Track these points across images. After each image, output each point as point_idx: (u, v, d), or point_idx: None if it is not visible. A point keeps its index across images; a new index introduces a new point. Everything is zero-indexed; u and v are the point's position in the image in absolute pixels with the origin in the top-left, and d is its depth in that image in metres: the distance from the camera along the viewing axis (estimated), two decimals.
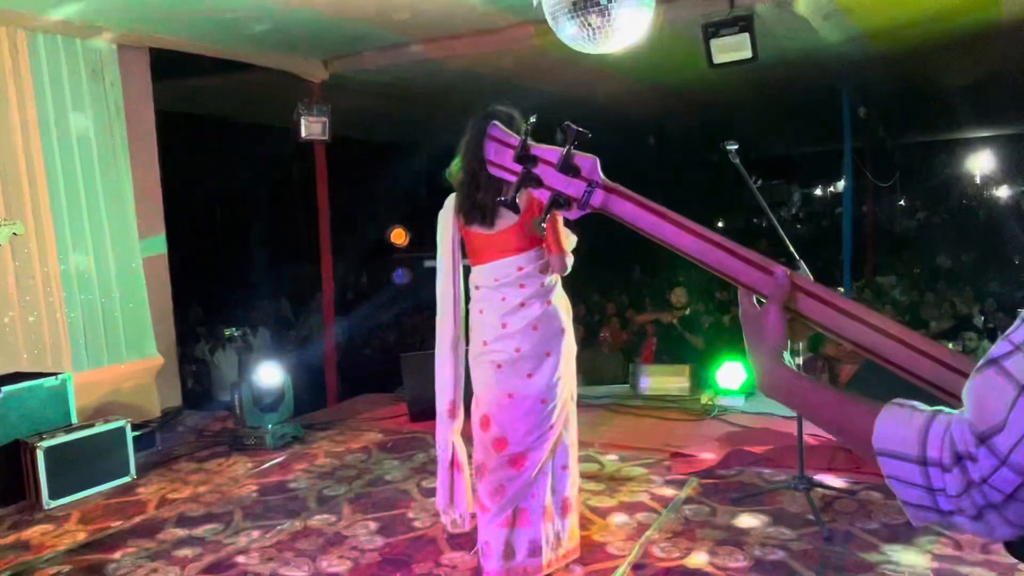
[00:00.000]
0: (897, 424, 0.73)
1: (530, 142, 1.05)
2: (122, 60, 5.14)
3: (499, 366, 2.83)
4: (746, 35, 4.79)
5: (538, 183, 1.05)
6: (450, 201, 2.96)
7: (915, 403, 0.76)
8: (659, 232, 0.99)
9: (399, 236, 6.96)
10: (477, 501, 2.91)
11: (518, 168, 1.06)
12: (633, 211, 1.00)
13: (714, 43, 4.90)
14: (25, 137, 4.61)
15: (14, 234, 3.36)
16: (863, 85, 7.45)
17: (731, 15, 4.79)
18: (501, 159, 1.08)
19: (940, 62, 6.80)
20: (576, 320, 7.78)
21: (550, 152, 1.04)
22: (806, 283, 0.89)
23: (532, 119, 1.10)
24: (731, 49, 4.90)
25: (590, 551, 3.13)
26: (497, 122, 1.10)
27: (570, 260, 2.87)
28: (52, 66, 4.75)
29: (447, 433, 2.97)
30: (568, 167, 1.02)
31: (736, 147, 3.26)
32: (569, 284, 3.14)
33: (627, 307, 9.79)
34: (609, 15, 3.35)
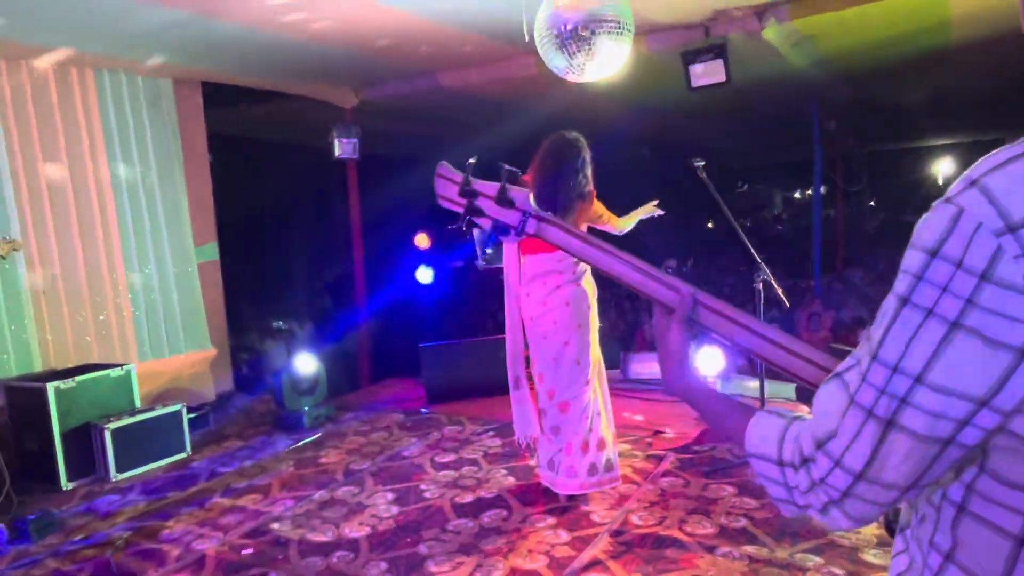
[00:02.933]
0: (763, 430, 0.74)
1: (471, 179, 1.07)
2: (177, 92, 5.19)
3: (544, 336, 3.26)
4: (720, 61, 4.73)
5: (480, 213, 1.07)
6: None
7: (781, 410, 0.77)
8: (584, 255, 1.00)
9: (422, 241, 6.95)
10: (543, 433, 3.33)
11: (463, 201, 1.08)
12: (563, 237, 1.02)
13: (692, 69, 4.85)
14: (94, 160, 4.68)
15: (14, 250, 3.40)
16: (832, 100, 7.31)
17: (707, 43, 4.73)
18: (448, 193, 1.11)
19: (900, 80, 6.66)
20: None
21: (489, 187, 1.07)
22: (708, 299, 0.91)
23: (472, 160, 1.12)
24: (707, 74, 4.84)
25: (575, 519, 3.13)
26: (445, 162, 1.13)
27: (624, 222, 3.36)
28: (116, 99, 4.81)
29: (522, 375, 3.37)
30: (504, 200, 1.05)
31: (703, 163, 3.22)
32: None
33: (625, 298, 9.74)
34: (590, 49, 3.31)
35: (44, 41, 4.16)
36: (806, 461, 0.67)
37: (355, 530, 3.17)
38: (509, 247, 3.32)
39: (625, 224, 3.41)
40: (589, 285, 3.33)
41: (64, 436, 3.90)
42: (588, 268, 3.35)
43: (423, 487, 3.63)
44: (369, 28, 4.33)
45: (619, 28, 3.37)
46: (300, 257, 6.63)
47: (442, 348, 5.20)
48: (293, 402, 4.79)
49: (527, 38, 3.58)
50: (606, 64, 3.48)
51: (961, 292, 0.58)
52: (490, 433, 4.40)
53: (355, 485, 3.72)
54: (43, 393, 3.85)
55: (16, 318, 4.26)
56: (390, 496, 3.54)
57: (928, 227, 0.62)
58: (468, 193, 1.07)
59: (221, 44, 4.44)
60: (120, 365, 4.30)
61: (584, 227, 3.26)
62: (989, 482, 0.62)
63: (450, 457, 4.05)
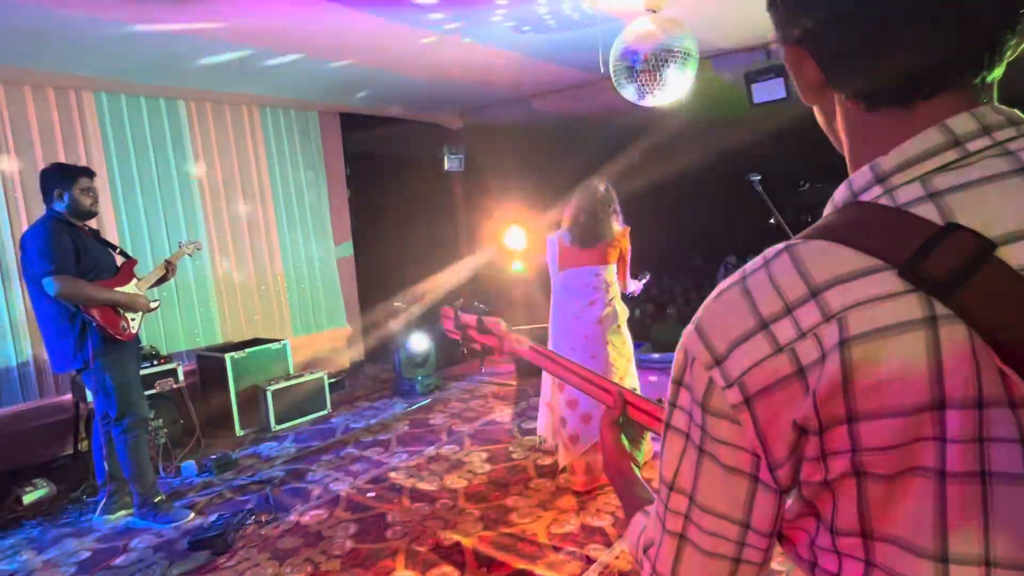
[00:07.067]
0: (633, 528, 0.69)
1: (460, 314, 1.21)
2: (321, 122, 5.46)
3: (572, 349, 3.03)
4: (781, 79, 4.43)
5: (473, 340, 1.19)
6: (553, 235, 3.22)
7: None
8: (538, 360, 1.06)
9: (514, 238, 6.98)
10: (562, 439, 3.11)
11: (459, 332, 1.22)
12: (527, 353, 1.09)
13: (754, 87, 4.57)
14: (259, 179, 5.03)
15: (197, 250, 3.49)
16: None
17: (768, 64, 4.45)
18: (449, 327, 1.25)
19: None
20: (650, 299, 7.56)
21: (473, 319, 1.18)
22: (637, 400, 0.87)
23: (460, 301, 1.25)
24: (769, 91, 4.55)
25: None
26: (445, 306, 1.26)
27: (631, 285, 3.17)
28: (275, 130, 5.12)
29: (549, 392, 3.21)
30: (483, 330, 1.17)
31: (759, 177, 3.04)
32: (644, 270, 3.40)
33: (691, 288, 9.42)
34: (658, 78, 3.20)
35: (227, 88, 4.49)
36: (641, 563, 0.63)
37: (455, 482, 3.27)
38: (553, 265, 3.16)
39: (630, 286, 3.18)
40: (620, 307, 3.10)
41: (238, 395, 4.25)
42: (618, 292, 3.12)
43: (511, 448, 3.69)
44: (473, 66, 4.39)
45: (684, 58, 3.23)
46: (419, 250, 6.84)
47: (529, 332, 5.23)
48: (409, 372, 4.98)
49: (602, 70, 3.51)
50: (673, 90, 3.36)
51: (697, 420, 0.53)
52: None
53: (456, 444, 3.83)
54: (223, 361, 4.21)
55: (203, 301, 4.68)
56: (484, 455, 3.62)
57: (675, 358, 0.56)
58: (461, 327, 1.20)
59: (356, 83, 4.63)
60: (278, 340, 4.62)
61: (615, 255, 3.07)
62: None
63: (533, 424, 4.08)
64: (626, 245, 3.11)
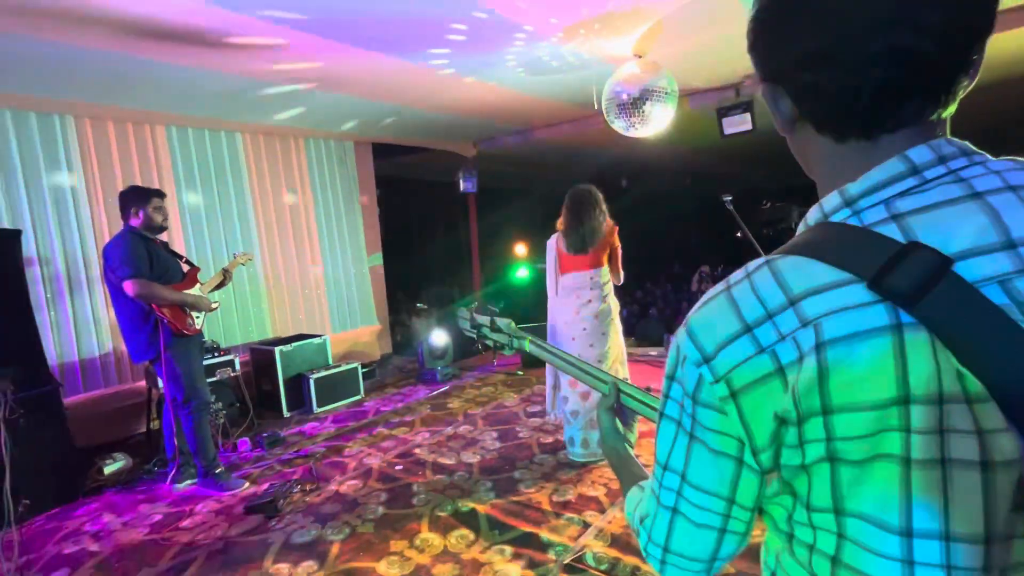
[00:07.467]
0: (629, 503, 0.67)
1: (475, 315, 1.17)
2: (356, 150, 5.47)
3: (573, 339, 3.01)
4: (748, 114, 4.42)
5: (487, 337, 1.15)
6: (552, 239, 3.17)
7: (645, 484, 0.67)
8: (544, 356, 1.02)
9: (521, 248, 6.97)
10: (564, 415, 3.11)
11: (474, 331, 1.18)
12: (533, 348, 1.05)
13: (725, 120, 4.55)
14: (304, 200, 5.04)
15: (248, 260, 3.41)
16: None
17: (737, 101, 4.44)
18: (466, 326, 1.21)
19: None
20: (635, 301, 7.52)
21: (487, 320, 1.14)
22: (630, 389, 0.84)
23: (475, 305, 1.19)
24: (737, 124, 4.53)
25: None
26: (462, 308, 1.22)
27: (622, 276, 3.09)
28: (317, 157, 5.14)
29: (553, 375, 3.19)
30: (495, 328, 1.13)
31: (731, 198, 3.02)
32: (630, 277, 3.24)
33: (669, 292, 9.37)
34: (643, 112, 3.19)
35: (278, 122, 4.51)
36: (637, 532, 0.61)
37: (470, 457, 3.25)
38: (551, 265, 3.10)
39: (618, 278, 3.11)
40: (613, 301, 3.07)
41: (285, 382, 4.25)
42: (611, 289, 3.07)
43: (518, 429, 3.67)
44: (485, 102, 4.39)
45: (665, 96, 3.22)
46: (437, 260, 6.85)
47: (533, 329, 5.21)
48: (430, 363, 4.96)
49: (595, 106, 3.50)
50: (655, 123, 3.35)
51: (688, 410, 0.52)
52: None
53: (471, 425, 3.81)
54: (272, 353, 4.21)
55: (256, 302, 4.69)
56: (494, 434, 3.60)
57: (668, 356, 0.55)
58: (475, 326, 1.16)
59: (386, 118, 4.64)
60: (319, 335, 4.61)
61: (606, 255, 3.02)
62: (789, 559, 0.53)
63: (536, 408, 4.07)
64: (616, 242, 3.06)
